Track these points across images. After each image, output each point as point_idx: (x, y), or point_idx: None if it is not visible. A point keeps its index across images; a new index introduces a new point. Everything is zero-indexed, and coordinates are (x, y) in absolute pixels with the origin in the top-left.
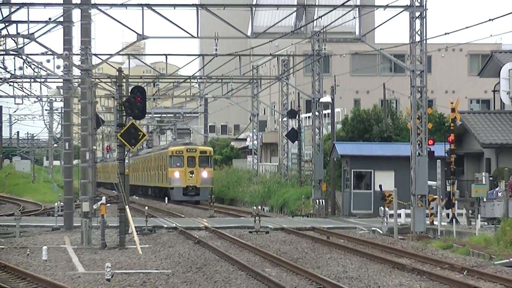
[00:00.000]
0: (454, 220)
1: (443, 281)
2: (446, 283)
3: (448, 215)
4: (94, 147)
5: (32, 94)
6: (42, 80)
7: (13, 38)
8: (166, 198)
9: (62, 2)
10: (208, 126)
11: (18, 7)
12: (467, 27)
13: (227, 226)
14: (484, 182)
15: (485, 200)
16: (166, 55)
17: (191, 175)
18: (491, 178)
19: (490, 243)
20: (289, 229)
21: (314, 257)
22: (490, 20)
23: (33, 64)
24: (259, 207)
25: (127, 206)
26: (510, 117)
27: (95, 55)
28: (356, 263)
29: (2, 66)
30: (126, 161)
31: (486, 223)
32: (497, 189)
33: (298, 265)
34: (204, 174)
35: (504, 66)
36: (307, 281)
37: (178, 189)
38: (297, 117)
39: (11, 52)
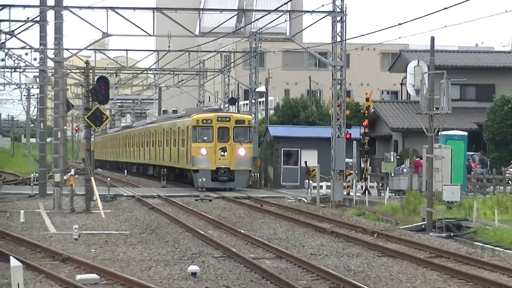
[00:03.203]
0: (366, 191)
1: (357, 242)
2: (359, 244)
3: (362, 187)
4: (65, 127)
5: (12, 82)
6: (21, 70)
7: None
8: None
9: (39, 4)
10: (162, 111)
11: (1, 8)
12: (379, 30)
13: (177, 195)
14: (392, 160)
15: (392, 175)
16: (126, 50)
17: (223, 153)
18: (398, 157)
19: (396, 211)
20: (229, 198)
21: (249, 222)
22: (399, 24)
23: (14, 57)
24: (204, 179)
25: (92, 177)
26: (414, 106)
27: (66, 49)
28: (284, 226)
29: None
30: (92, 139)
31: (393, 194)
32: (403, 166)
33: (236, 228)
34: (241, 151)
35: (410, 63)
36: (243, 241)
37: (205, 172)
38: (236, 104)
39: None
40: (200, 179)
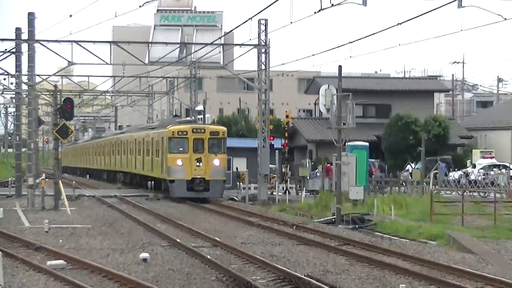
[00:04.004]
0: (287, 191)
1: (279, 233)
2: (281, 234)
3: (283, 188)
4: (37, 140)
5: None
6: (0, 92)
7: None
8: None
9: (15, 38)
10: (118, 126)
11: None
12: (297, 60)
13: (130, 195)
14: (307, 166)
15: (308, 178)
16: (88, 76)
17: (198, 163)
18: (312, 163)
19: (311, 207)
20: (174, 197)
21: (191, 217)
22: (313, 55)
23: None
24: (152, 182)
25: (60, 181)
26: (325, 122)
27: (38, 75)
28: (220, 221)
29: None
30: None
31: (309, 194)
32: (316, 170)
33: (180, 222)
34: (216, 162)
35: (322, 87)
36: (186, 233)
37: (180, 182)
38: None
39: None
40: (150, 182)
